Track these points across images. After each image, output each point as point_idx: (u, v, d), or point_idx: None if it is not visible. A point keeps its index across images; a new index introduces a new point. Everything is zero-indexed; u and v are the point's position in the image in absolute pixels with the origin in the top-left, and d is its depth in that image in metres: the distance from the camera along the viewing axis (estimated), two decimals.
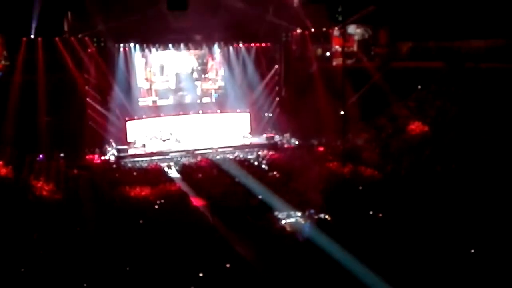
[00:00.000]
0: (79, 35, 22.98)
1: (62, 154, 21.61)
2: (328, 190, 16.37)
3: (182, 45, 25.63)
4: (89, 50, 23.43)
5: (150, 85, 25.84)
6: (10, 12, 20.53)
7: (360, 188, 17.36)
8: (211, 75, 26.88)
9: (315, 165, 19.30)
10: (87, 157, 22.80)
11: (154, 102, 25.91)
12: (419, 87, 21.69)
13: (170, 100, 26.17)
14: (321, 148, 23.58)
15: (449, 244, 12.35)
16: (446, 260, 11.59)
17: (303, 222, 14.98)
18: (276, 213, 15.40)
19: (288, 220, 15.11)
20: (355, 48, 26.06)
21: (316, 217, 14.98)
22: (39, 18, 21.28)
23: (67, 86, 22.62)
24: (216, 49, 26.40)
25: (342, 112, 21.98)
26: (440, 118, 20.18)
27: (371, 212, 14.92)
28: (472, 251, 12.06)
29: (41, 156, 21.16)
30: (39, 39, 21.96)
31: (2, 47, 22.27)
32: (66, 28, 22.89)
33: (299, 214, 15.29)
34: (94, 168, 21.86)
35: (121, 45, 24.43)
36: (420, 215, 14.03)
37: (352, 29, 25.92)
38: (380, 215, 14.79)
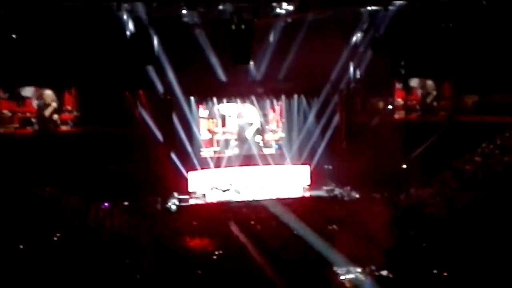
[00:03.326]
0: (147, 89, 24.04)
1: (125, 203, 22.28)
2: (390, 246, 15.86)
3: (245, 98, 26.29)
4: (155, 103, 24.39)
5: (212, 136, 26.42)
6: (83, 66, 21.81)
7: (424, 244, 16.74)
8: (272, 126, 27.18)
9: (377, 219, 18.82)
10: (149, 206, 23.28)
11: (215, 152, 26.39)
12: (485, 141, 21.09)
13: (230, 151, 26.56)
14: (383, 202, 23.04)
15: None
16: None
17: (363, 278, 14.53)
18: (335, 268, 15.04)
19: (348, 276, 14.67)
20: (418, 101, 25.77)
21: (377, 273, 14.49)
22: (110, 72, 22.29)
23: (133, 137, 23.41)
24: (278, 101, 26.82)
25: (404, 166, 21.54)
26: (509, 174, 19.43)
27: (435, 271, 14.29)
28: None
29: (106, 204, 21.82)
30: (109, 91, 22.96)
31: (75, 99, 23.53)
32: (135, 82, 23.89)
33: (359, 270, 14.83)
34: (156, 217, 22.23)
35: (186, 98, 25.21)
36: (490, 276, 13.30)
37: (415, 82, 25.73)
38: (445, 274, 14.15)
